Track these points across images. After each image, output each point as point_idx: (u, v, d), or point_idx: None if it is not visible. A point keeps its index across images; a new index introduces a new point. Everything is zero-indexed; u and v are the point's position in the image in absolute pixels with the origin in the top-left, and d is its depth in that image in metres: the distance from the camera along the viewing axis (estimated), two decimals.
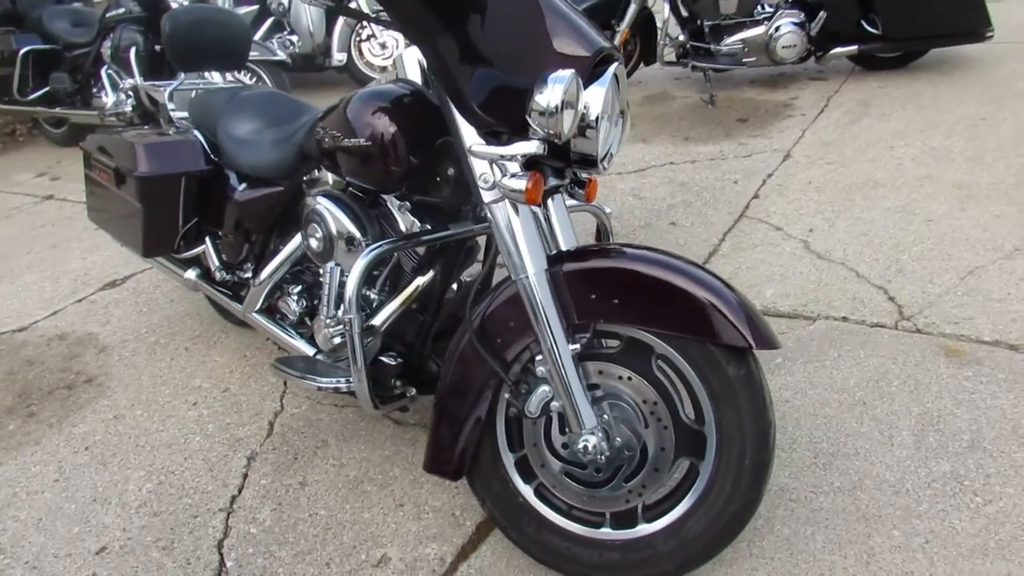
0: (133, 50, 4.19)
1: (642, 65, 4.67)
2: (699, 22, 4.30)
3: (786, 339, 2.22)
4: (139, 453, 2.08)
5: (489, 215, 1.42)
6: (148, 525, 1.83)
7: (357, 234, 1.72)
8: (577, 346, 1.40)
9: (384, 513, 1.79)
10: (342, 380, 1.70)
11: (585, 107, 1.34)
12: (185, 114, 2.35)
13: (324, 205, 1.76)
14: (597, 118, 1.34)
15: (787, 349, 2.17)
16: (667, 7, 4.27)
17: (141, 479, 1.98)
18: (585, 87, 1.34)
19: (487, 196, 1.40)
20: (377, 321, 1.68)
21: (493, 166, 1.37)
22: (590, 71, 1.35)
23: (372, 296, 1.80)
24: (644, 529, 1.47)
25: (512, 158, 1.35)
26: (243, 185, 2.10)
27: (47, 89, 4.84)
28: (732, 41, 4.25)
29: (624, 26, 4.36)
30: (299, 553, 1.70)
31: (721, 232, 2.90)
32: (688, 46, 4.35)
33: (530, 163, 1.41)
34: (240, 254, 2.18)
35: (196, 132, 2.24)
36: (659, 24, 4.45)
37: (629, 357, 1.45)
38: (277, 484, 1.91)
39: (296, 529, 1.77)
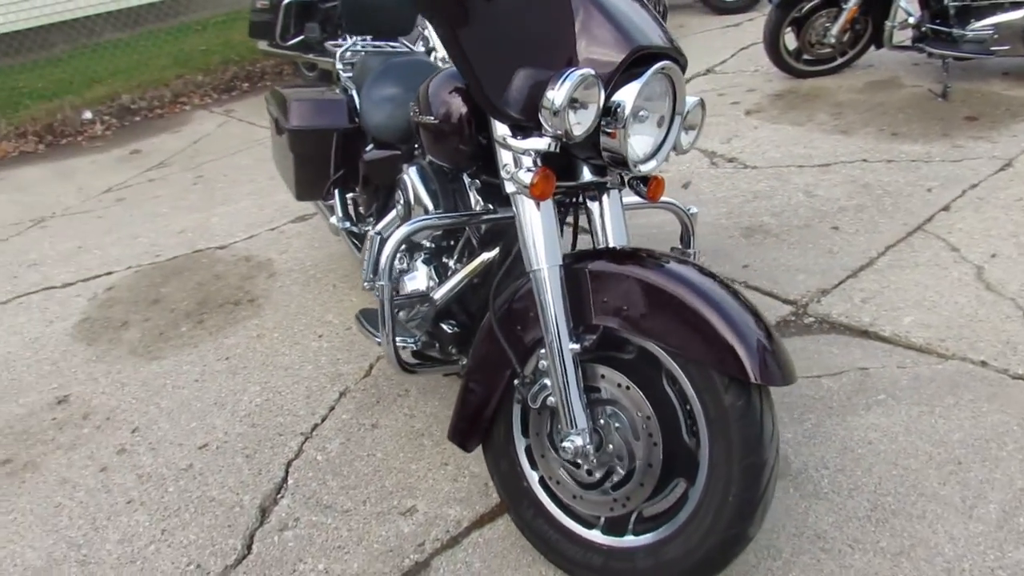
0: None
1: (873, 48, 4.21)
2: (943, 2, 3.77)
3: (903, 374, 1.98)
4: (262, 370, 2.39)
5: (513, 204, 1.44)
6: (244, 433, 2.11)
7: (430, 205, 1.81)
8: (577, 346, 1.39)
9: (428, 468, 1.91)
10: (402, 339, 1.82)
11: (618, 106, 1.31)
12: (351, 74, 2.57)
13: (410, 175, 1.87)
14: (626, 118, 1.30)
15: (898, 386, 1.95)
16: None
17: (255, 393, 2.28)
18: (620, 85, 1.31)
19: (509, 187, 1.42)
20: (438, 293, 1.77)
21: (515, 157, 1.39)
22: (626, 69, 1.30)
23: (449, 264, 1.90)
24: (630, 541, 1.44)
25: (526, 152, 1.36)
26: (371, 145, 2.27)
27: (302, 37, 5.44)
28: (981, 26, 3.68)
29: (852, 3, 3.95)
30: (345, 487, 1.88)
31: (885, 244, 2.61)
32: (926, 29, 3.84)
33: (554, 157, 1.40)
34: (367, 209, 2.38)
35: (353, 92, 2.45)
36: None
37: (639, 367, 1.41)
38: (354, 421, 2.11)
39: (352, 465, 1.95)
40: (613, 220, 1.56)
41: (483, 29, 1.31)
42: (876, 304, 2.29)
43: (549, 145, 1.32)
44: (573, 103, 1.27)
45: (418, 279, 1.93)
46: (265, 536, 1.76)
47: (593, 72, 1.26)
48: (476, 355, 1.58)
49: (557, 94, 1.24)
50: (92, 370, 2.51)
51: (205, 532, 1.79)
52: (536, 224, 1.40)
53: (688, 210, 1.89)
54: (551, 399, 1.44)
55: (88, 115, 5.68)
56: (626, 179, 1.57)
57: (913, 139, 3.39)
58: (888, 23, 3.89)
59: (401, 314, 2.05)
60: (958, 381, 1.94)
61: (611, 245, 1.55)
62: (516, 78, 1.33)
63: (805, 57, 4.32)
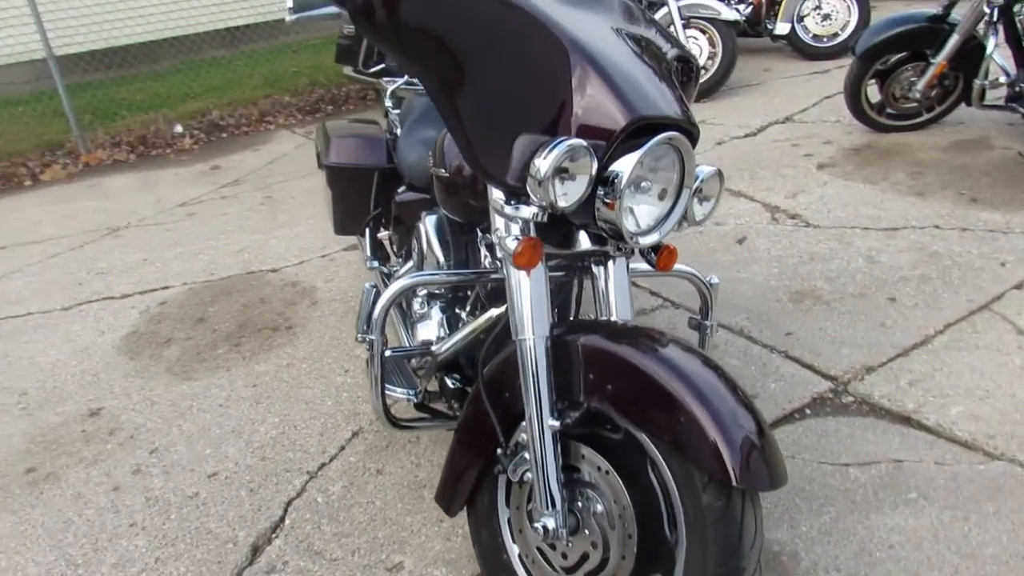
0: None
1: (963, 104, 3.97)
2: None
3: (940, 472, 1.82)
4: (284, 402, 2.40)
5: (504, 269, 1.39)
6: (253, 466, 2.12)
7: (440, 257, 1.78)
8: (558, 423, 1.32)
9: (423, 523, 1.86)
10: (403, 391, 1.79)
11: (615, 176, 1.25)
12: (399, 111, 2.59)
13: (426, 223, 1.85)
14: (621, 189, 1.24)
15: (933, 484, 1.79)
16: (994, 40, 3.55)
17: (272, 424, 2.30)
18: (620, 154, 1.25)
19: (499, 252, 1.37)
20: (440, 346, 1.73)
21: (506, 223, 1.34)
22: (631, 137, 1.24)
23: (461, 316, 1.87)
24: None
25: (514, 219, 1.31)
26: (404, 187, 2.27)
27: (383, 65, 5.57)
28: None
29: (941, 58, 3.74)
30: (339, 534, 1.86)
31: (945, 321, 2.42)
32: (1021, 88, 3.59)
33: (554, 224, 1.36)
34: (398, 249, 2.37)
35: (397, 131, 2.46)
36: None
37: (626, 451, 1.34)
38: (360, 465, 2.09)
39: (350, 511, 1.92)
40: (617, 291, 1.49)
41: (476, 91, 1.27)
42: (924, 388, 2.13)
43: (536, 215, 1.28)
44: (561, 173, 1.21)
45: (430, 327, 1.90)
46: None
47: (584, 143, 1.20)
48: (464, 417, 1.54)
49: (543, 163, 1.19)
50: (128, 385, 2.59)
51: (195, 566, 1.80)
52: (523, 292, 1.35)
53: (708, 280, 1.80)
54: (528, 474, 1.37)
55: (179, 129, 5.96)
56: (635, 247, 1.50)
57: (994, 206, 3.17)
58: (978, 81, 3.66)
59: (413, 361, 2.03)
60: (1002, 486, 1.77)
61: (612, 318, 1.48)
62: (507, 143, 1.28)
63: (888, 111, 4.12)
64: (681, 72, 1.67)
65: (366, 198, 2.47)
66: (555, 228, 1.42)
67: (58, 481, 2.14)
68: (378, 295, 1.54)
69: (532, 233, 1.33)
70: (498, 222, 1.36)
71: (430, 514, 1.88)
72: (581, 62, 1.26)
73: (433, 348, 1.73)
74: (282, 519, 1.92)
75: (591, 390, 1.32)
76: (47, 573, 1.82)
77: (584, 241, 1.43)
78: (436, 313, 1.93)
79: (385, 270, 2.42)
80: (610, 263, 1.50)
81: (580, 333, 1.37)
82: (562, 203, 1.22)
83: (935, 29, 3.77)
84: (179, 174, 5.12)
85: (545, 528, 1.31)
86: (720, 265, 2.95)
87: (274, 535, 1.87)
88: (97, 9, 6.42)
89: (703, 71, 5.25)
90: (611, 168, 1.25)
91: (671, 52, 1.58)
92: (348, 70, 5.88)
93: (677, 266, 1.68)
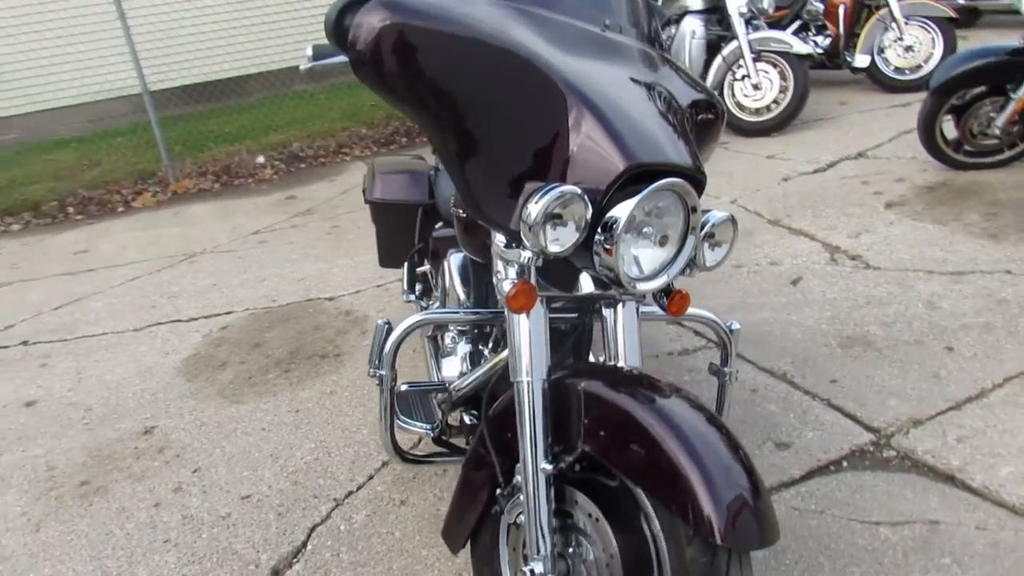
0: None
1: None
2: None
3: (979, 537, 1.72)
4: (323, 428, 2.47)
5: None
6: (285, 490, 2.18)
7: (461, 295, 1.81)
8: (551, 467, 1.32)
9: (438, 558, 1.88)
10: (419, 424, 1.82)
11: (613, 221, 1.25)
12: None
13: (450, 261, 1.89)
14: (617, 235, 1.24)
15: (970, 551, 1.68)
16: None
17: (308, 450, 2.36)
18: (619, 200, 1.25)
19: (498, 293, 1.38)
20: (456, 383, 1.75)
21: (504, 266, 1.36)
22: (634, 182, 1.24)
23: (484, 353, 1.89)
24: None
25: (510, 263, 1.32)
26: (441, 223, 2.31)
27: None
28: None
29: (1020, 94, 3.56)
30: (355, 563, 1.89)
31: (1005, 375, 2.29)
32: None
33: (558, 267, 1.37)
34: (435, 285, 2.41)
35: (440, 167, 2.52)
36: None
37: (621, 499, 1.32)
38: (386, 495, 2.12)
39: (369, 540, 1.96)
40: (626, 335, 1.48)
41: (474, 137, 1.30)
42: (972, 446, 2.01)
43: (530, 259, 1.29)
44: (554, 219, 1.22)
45: (454, 363, 1.93)
46: None
47: (576, 190, 1.21)
48: (469, 456, 1.55)
49: (533, 208, 1.20)
50: (182, 406, 2.71)
51: None
52: (521, 335, 1.36)
53: (729, 325, 1.76)
54: (521, 517, 1.37)
55: (261, 159, 6.24)
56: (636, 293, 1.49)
57: None
58: None
59: (439, 395, 2.06)
60: None
61: (620, 362, 1.47)
62: (505, 188, 1.30)
63: (966, 148, 3.94)
64: (704, 116, 1.66)
65: (409, 233, 2.53)
66: (560, 271, 1.43)
67: (106, 494, 2.26)
68: (390, 331, 1.58)
69: (531, 277, 1.34)
70: (498, 264, 1.38)
71: (445, 549, 1.88)
72: (580, 107, 1.27)
73: (450, 384, 1.75)
74: (304, 544, 1.97)
75: (587, 435, 1.31)
76: None
77: (589, 284, 1.43)
78: (461, 349, 1.95)
79: (424, 304, 2.46)
80: (619, 307, 1.49)
81: (581, 377, 1.36)
82: (553, 248, 1.23)
83: (1016, 63, 3.60)
84: (256, 203, 5.36)
85: (532, 572, 1.31)
86: (770, 307, 2.87)
87: (295, 560, 1.92)
88: (190, 47, 6.81)
89: (774, 105, 5.16)
90: (610, 213, 1.25)
91: (690, 96, 1.58)
92: None
93: (694, 310, 1.67)
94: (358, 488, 2.16)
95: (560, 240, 1.23)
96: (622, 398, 1.29)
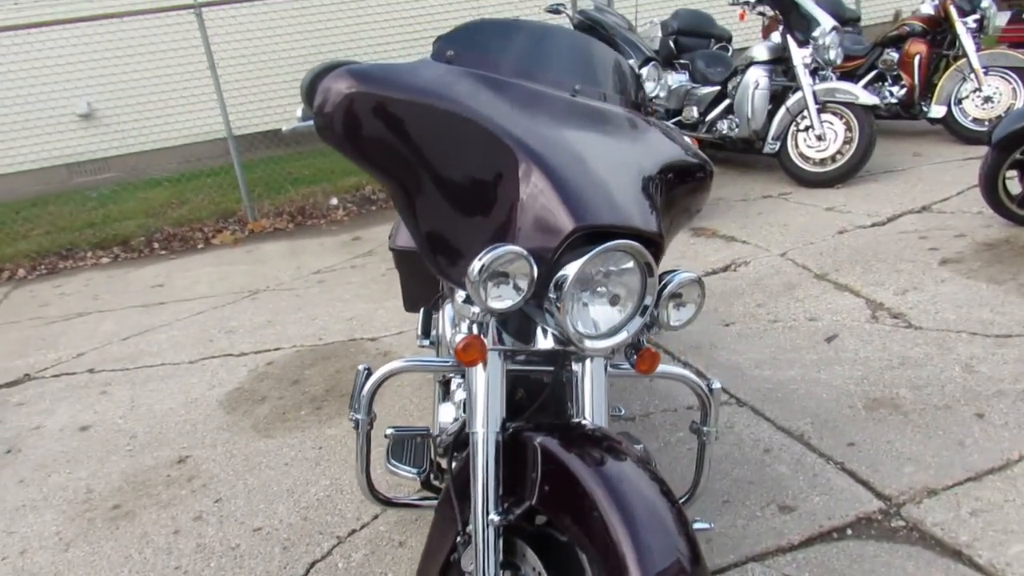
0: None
1: None
2: None
3: None
4: (340, 466, 2.55)
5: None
6: (294, 524, 2.27)
7: (451, 343, 1.87)
8: (498, 518, 1.35)
9: None
10: (406, 468, 1.87)
11: (562, 280, 1.29)
12: None
13: (444, 310, 1.95)
14: (563, 295, 1.28)
15: None
16: None
17: (322, 487, 2.44)
18: (569, 260, 1.29)
19: (450, 347, 1.44)
20: (436, 429, 1.80)
21: (459, 318, 1.41)
22: (590, 242, 1.28)
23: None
24: None
25: (462, 317, 1.37)
26: None
27: None
28: None
29: None
30: None
31: None
32: None
33: (519, 320, 1.41)
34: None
35: None
36: None
37: (569, 555, 1.34)
38: (386, 535, 2.17)
39: None
40: (591, 391, 1.50)
41: (431, 195, 1.37)
42: (986, 520, 1.91)
43: (476, 314, 1.33)
44: (499, 277, 1.27)
45: (450, 409, 1.98)
46: None
47: (519, 250, 1.25)
48: (439, 501, 1.59)
49: (475, 266, 1.25)
50: (217, 437, 2.85)
51: None
52: (477, 387, 1.40)
53: (709, 384, 1.74)
54: (470, 568, 1.40)
55: (334, 201, 6.52)
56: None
57: None
58: None
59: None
60: None
61: (584, 418, 1.49)
62: (459, 245, 1.36)
63: None
64: (688, 177, 1.68)
65: (431, 279, 2.61)
66: (525, 325, 1.47)
67: (133, 519, 2.40)
68: (369, 376, 1.65)
69: (487, 331, 1.39)
70: (457, 318, 1.44)
71: None
72: (532, 169, 1.32)
73: (432, 431, 1.81)
74: None
75: (536, 491, 1.33)
76: None
77: (548, 340, 1.46)
78: (458, 396, 2.00)
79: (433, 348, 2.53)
80: (587, 362, 1.51)
81: (539, 432, 1.39)
82: (496, 305, 1.28)
83: None
84: (324, 243, 5.59)
85: None
86: (800, 363, 2.80)
87: None
88: (271, 95, 7.22)
89: (839, 156, 5.05)
90: (560, 272, 1.29)
91: (672, 158, 1.61)
92: None
93: (671, 368, 1.68)
94: (362, 527, 2.22)
95: (502, 297, 1.28)
96: (572, 458, 1.31)
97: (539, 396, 1.71)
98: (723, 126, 5.65)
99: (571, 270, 1.27)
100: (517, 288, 1.28)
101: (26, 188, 7.42)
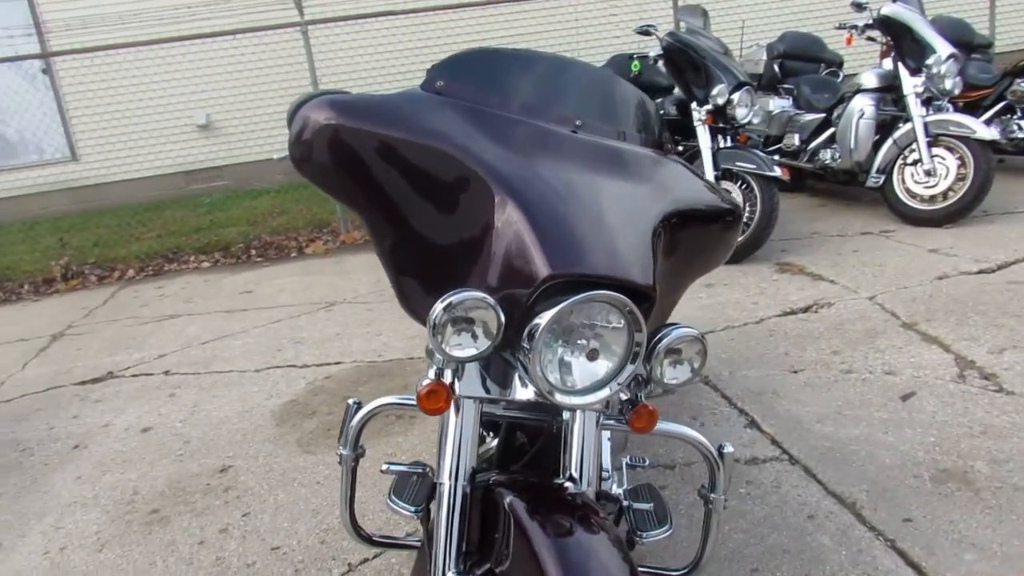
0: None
1: None
2: None
3: None
4: (369, 489, 2.53)
5: None
6: (311, 547, 2.26)
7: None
8: (453, 573, 1.27)
9: None
10: (403, 504, 1.81)
11: (534, 329, 1.21)
12: None
13: None
14: (533, 344, 1.19)
15: None
16: None
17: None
18: (544, 309, 1.21)
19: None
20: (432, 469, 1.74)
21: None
22: (561, 291, 1.20)
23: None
24: None
25: (432, 362, 1.31)
26: None
27: None
28: None
29: None
30: None
31: None
32: None
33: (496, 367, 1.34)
34: None
35: None
36: None
37: None
38: (395, 568, 2.13)
39: None
40: (578, 446, 1.40)
41: (404, 233, 1.32)
42: None
43: (439, 360, 1.26)
44: (463, 323, 1.20)
45: None
46: None
47: (482, 296, 1.18)
48: (421, 545, 1.53)
49: (436, 309, 1.18)
50: (261, 449, 2.90)
51: None
52: (447, 435, 1.33)
53: (721, 448, 1.59)
54: None
55: None
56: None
57: None
58: None
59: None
60: None
61: (572, 471, 1.39)
62: (429, 285, 1.30)
63: None
64: (712, 222, 1.56)
65: None
66: (506, 371, 1.39)
67: (166, 526, 2.45)
68: (358, 411, 1.60)
69: (462, 376, 1.32)
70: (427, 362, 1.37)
71: None
72: (512, 211, 1.25)
73: (426, 470, 1.74)
74: None
75: (498, 552, 1.25)
76: None
77: (527, 390, 1.38)
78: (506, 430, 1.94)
79: None
80: (577, 415, 1.42)
81: (510, 489, 1.31)
82: (457, 353, 1.20)
83: None
84: None
85: None
86: (867, 422, 2.57)
87: None
88: None
89: (950, 193, 4.67)
90: (534, 321, 1.21)
91: (693, 202, 1.50)
92: None
93: (678, 428, 1.56)
94: (374, 557, 2.18)
95: (463, 346, 1.20)
96: (535, 526, 1.21)
97: (538, 442, 1.63)
98: (825, 156, 5.34)
99: (543, 320, 1.19)
100: (485, 335, 1.21)
101: (147, 193, 7.94)
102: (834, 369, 2.98)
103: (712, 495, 1.59)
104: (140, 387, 3.69)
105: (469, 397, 1.33)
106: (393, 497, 1.85)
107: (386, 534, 1.79)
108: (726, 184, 4.46)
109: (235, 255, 6.30)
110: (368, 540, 1.74)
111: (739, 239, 4.33)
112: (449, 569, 1.28)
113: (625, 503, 1.77)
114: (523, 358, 1.23)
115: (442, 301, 1.18)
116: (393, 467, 1.78)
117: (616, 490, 1.80)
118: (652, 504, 1.88)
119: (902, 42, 4.78)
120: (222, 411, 3.29)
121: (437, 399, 1.28)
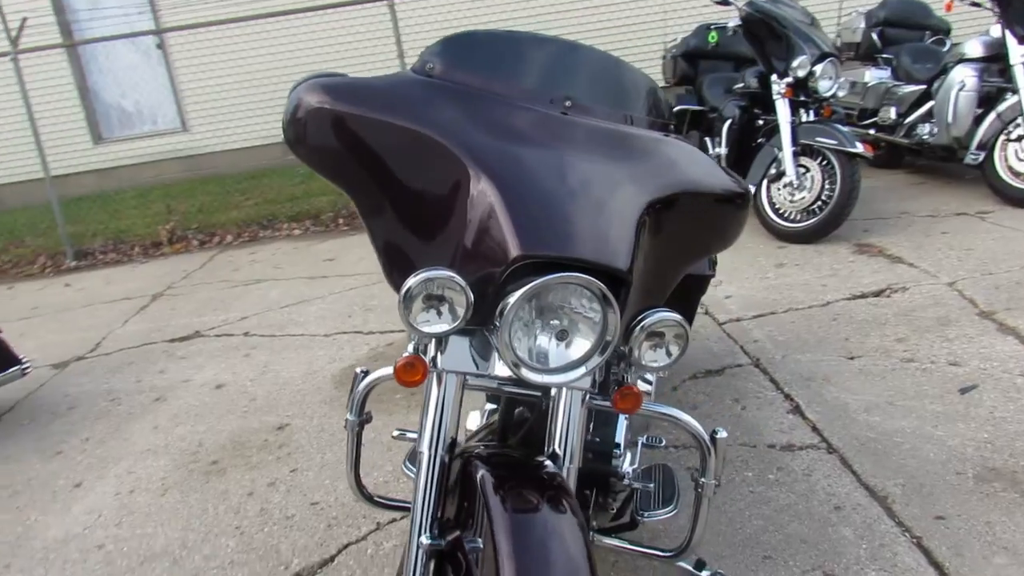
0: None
1: None
2: None
3: None
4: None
5: None
6: (346, 504, 2.38)
7: None
8: (428, 542, 1.33)
9: None
10: (414, 471, 1.89)
11: (504, 308, 1.24)
12: None
13: None
14: (501, 323, 1.23)
15: None
16: None
17: (386, 472, 2.55)
18: (515, 289, 1.24)
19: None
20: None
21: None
22: (537, 271, 1.23)
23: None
24: None
25: (411, 335, 1.36)
26: None
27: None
28: None
29: None
30: None
31: None
32: None
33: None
34: None
35: None
36: None
37: None
38: None
39: (382, 570, 2.07)
40: (562, 424, 1.43)
41: (388, 210, 1.37)
42: None
43: (410, 336, 1.31)
44: (434, 300, 1.25)
45: (476, 418, 1.99)
46: None
47: (447, 274, 1.21)
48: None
49: (404, 287, 1.23)
50: (317, 410, 3.06)
51: (253, 573, 2.10)
52: (428, 405, 1.39)
53: (713, 433, 1.57)
54: None
55: None
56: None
57: None
58: None
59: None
60: None
61: (556, 449, 1.43)
62: (408, 261, 1.35)
63: None
64: (717, 204, 1.54)
65: None
66: (488, 347, 1.43)
67: (222, 476, 2.64)
68: (364, 378, 1.68)
69: (445, 350, 1.36)
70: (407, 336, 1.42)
71: None
72: (487, 192, 1.27)
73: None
74: (332, 559, 2.14)
75: (464, 519, 1.31)
76: (161, 546, 2.28)
77: (504, 367, 1.41)
78: (488, 406, 2.00)
79: None
80: (564, 393, 1.44)
81: (488, 462, 1.36)
82: (424, 328, 1.25)
83: None
84: None
85: None
86: (918, 414, 2.46)
87: (318, 572, 2.10)
88: None
89: None
90: (505, 300, 1.24)
91: (692, 184, 1.48)
92: None
93: (663, 408, 1.57)
94: (401, 517, 2.29)
95: (431, 322, 1.25)
96: (498, 500, 1.26)
97: (523, 423, 1.68)
98: (922, 130, 5.04)
99: (511, 299, 1.22)
100: (451, 313, 1.25)
101: (248, 162, 8.34)
102: (894, 357, 2.86)
103: (703, 479, 1.59)
104: (221, 347, 3.94)
105: (451, 371, 1.38)
106: (407, 463, 1.94)
107: (387, 495, 1.87)
108: (805, 160, 4.29)
109: (324, 223, 6.56)
110: (369, 499, 1.83)
111: (816, 219, 4.17)
112: (423, 533, 1.34)
113: (628, 482, 1.80)
114: (493, 336, 1.26)
115: (412, 277, 1.23)
116: (408, 434, 1.87)
117: (626, 468, 1.83)
118: (660, 484, 1.89)
119: (1010, 7, 4.42)
120: (288, 372, 3.47)
121: (414, 372, 1.33)
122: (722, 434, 1.58)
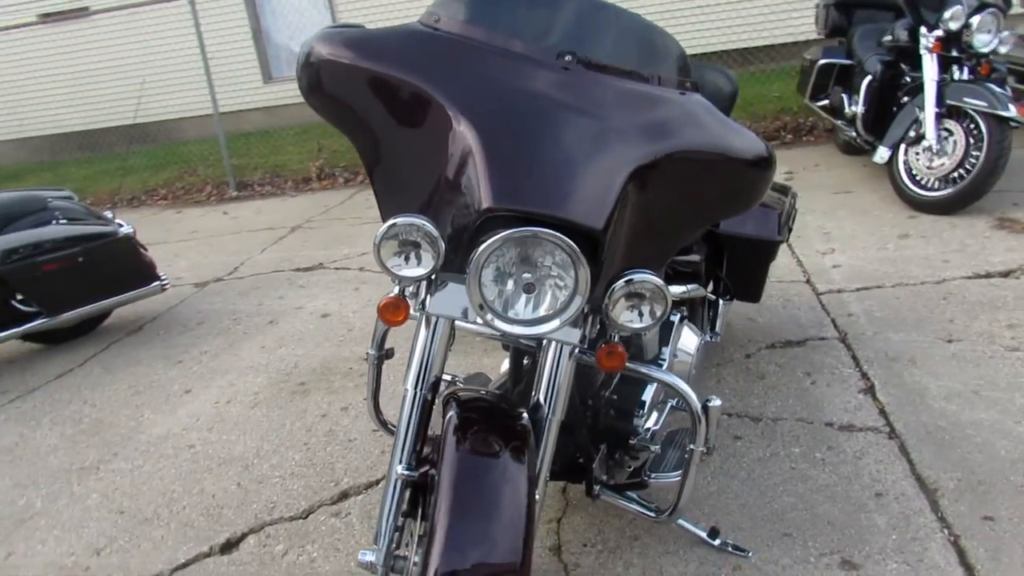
0: None
1: None
2: None
3: None
4: None
5: None
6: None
7: None
8: (404, 472, 1.43)
9: None
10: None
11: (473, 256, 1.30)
12: None
13: None
14: (469, 273, 1.28)
15: None
16: None
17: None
18: (487, 239, 1.29)
19: None
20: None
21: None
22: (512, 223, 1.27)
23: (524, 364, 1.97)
24: None
25: (396, 279, 1.43)
26: None
27: (827, 101, 5.24)
28: None
29: None
30: None
31: None
32: None
33: None
34: None
35: None
36: None
37: None
38: None
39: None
40: (548, 375, 1.48)
41: (384, 157, 1.43)
42: None
43: (393, 279, 1.38)
44: (411, 246, 1.32)
45: (504, 367, 2.06)
46: (321, 513, 2.19)
47: (416, 222, 1.28)
48: None
49: (380, 230, 1.30)
50: (404, 345, 3.21)
51: (304, 489, 2.32)
52: (415, 346, 1.47)
53: (707, 402, 1.54)
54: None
55: None
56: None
57: None
58: None
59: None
60: None
61: (541, 401, 1.48)
62: (399, 206, 1.41)
63: None
64: (734, 165, 1.49)
65: None
66: None
67: (305, 397, 2.89)
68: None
69: (429, 295, 1.43)
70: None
71: None
72: (469, 141, 1.31)
73: (455, 378, 1.90)
74: (376, 483, 2.31)
75: (432, 455, 1.41)
76: (239, 452, 2.55)
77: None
78: (513, 356, 2.06)
79: None
80: (552, 347, 1.48)
81: (461, 404, 1.44)
82: (401, 272, 1.33)
83: None
84: None
85: (364, 560, 1.44)
86: (1002, 406, 2.25)
87: (363, 492, 2.27)
88: None
89: None
90: (475, 251, 1.29)
91: (703, 144, 1.44)
92: (805, 99, 5.70)
93: (664, 375, 1.58)
94: None
95: (403, 267, 1.32)
96: (454, 440, 1.34)
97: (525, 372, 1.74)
98: None
99: (478, 251, 1.26)
100: (419, 259, 1.32)
101: None
102: (998, 344, 2.61)
103: (691, 446, 1.58)
104: (336, 279, 4.23)
105: (437, 315, 1.45)
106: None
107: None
108: (949, 124, 3.90)
109: None
110: (385, 426, 1.97)
111: (955, 188, 3.82)
112: (400, 463, 1.45)
113: (644, 444, 1.81)
114: (465, 283, 1.32)
115: (387, 223, 1.30)
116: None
117: (648, 427, 1.84)
118: (679, 449, 1.88)
119: None
120: None
121: (396, 313, 1.42)
122: (715, 403, 1.56)
